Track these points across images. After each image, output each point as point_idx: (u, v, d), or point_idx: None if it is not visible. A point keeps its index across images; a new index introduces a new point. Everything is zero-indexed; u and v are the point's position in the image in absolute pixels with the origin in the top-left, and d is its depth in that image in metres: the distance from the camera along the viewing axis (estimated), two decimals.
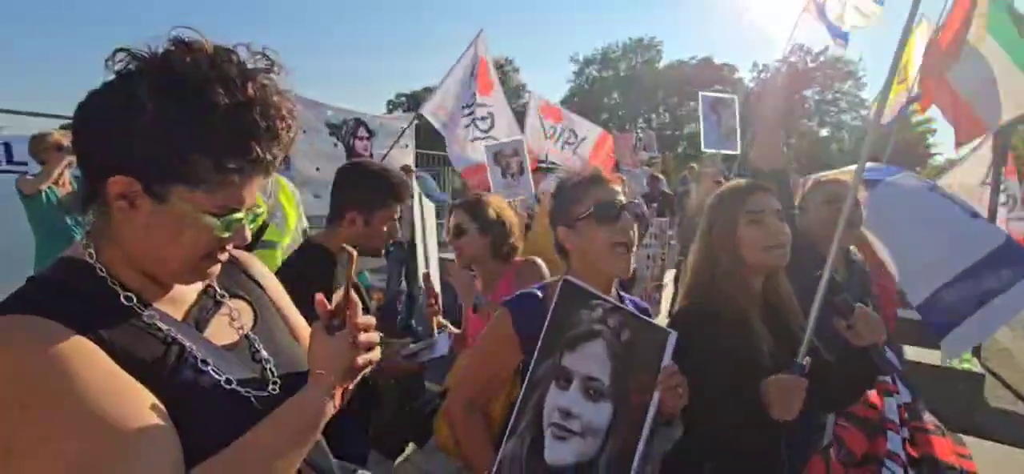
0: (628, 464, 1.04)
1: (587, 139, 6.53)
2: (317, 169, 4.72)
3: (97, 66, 0.73)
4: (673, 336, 1.10)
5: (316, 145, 4.76)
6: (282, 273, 1.69)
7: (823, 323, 1.32)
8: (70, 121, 0.74)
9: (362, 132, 5.07)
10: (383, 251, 1.85)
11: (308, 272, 1.59)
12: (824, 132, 40.98)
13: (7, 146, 4.16)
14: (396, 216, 1.73)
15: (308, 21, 71.48)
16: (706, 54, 43.28)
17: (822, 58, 37.04)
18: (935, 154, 26.07)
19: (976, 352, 4.96)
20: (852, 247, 2.19)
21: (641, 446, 1.04)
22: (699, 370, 1.29)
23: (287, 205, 2.71)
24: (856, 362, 1.30)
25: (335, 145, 4.89)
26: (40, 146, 3.41)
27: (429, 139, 7.30)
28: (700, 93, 5.20)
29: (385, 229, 1.70)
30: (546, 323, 1.11)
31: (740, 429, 1.26)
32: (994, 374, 4.65)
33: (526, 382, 1.08)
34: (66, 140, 3.27)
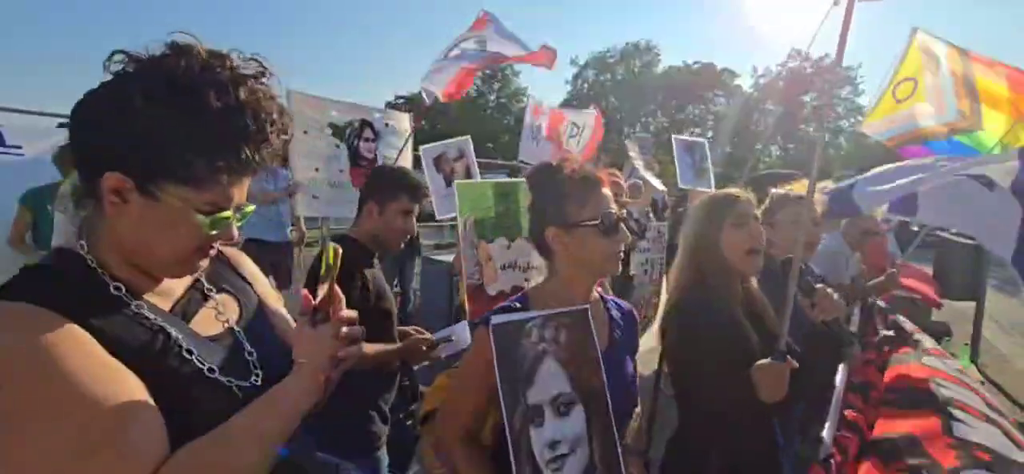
0: (612, 440, 1.09)
1: (586, 126, 6.37)
2: (316, 170, 4.67)
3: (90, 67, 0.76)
4: (587, 308, 1.13)
5: (317, 146, 4.69)
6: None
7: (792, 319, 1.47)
8: (67, 120, 0.77)
9: (368, 134, 4.96)
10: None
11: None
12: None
13: None
14: (409, 209, 1.88)
15: (308, 22, 71.53)
16: (704, 59, 43.36)
17: (821, 63, 37.18)
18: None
19: (974, 359, 4.98)
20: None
21: (612, 419, 1.09)
22: (695, 358, 1.45)
23: None
24: (822, 339, 1.44)
25: (337, 146, 4.82)
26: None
27: (428, 141, 7.26)
28: (673, 137, 5.35)
29: (400, 223, 1.87)
30: (498, 379, 1.06)
31: (735, 408, 1.39)
32: (991, 381, 4.65)
33: (511, 446, 1.04)
34: None
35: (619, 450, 1.09)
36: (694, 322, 1.46)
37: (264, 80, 0.81)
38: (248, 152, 0.77)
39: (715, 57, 52.94)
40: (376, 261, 1.92)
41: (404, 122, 5.44)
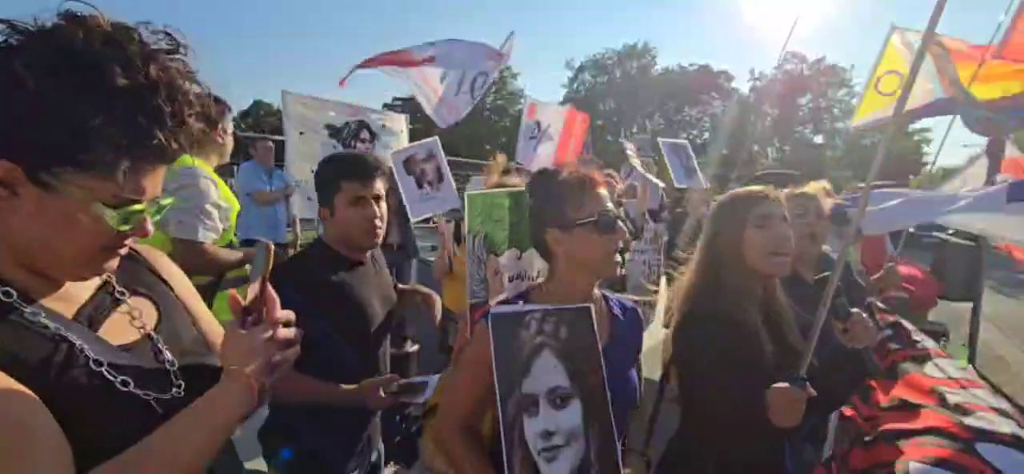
0: (611, 438, 1.08)
1: (551, 126, 6.24)
2: (312, 171, 4.66)
3: None
4: (590, 307, 1.13)
5: (313, 146, 4.68)
6: (286, 267, 1.65)
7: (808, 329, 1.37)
8: None
9: (364, 134, 4.94)
10: (379, 241, 1.70)
11: (295, 262, 1.76)
12: (818, 139, 41.39)
13: None
14: (360, 195, 1.62)
15: (306, 23, 71.51)
16: (700, 61, 43.60)
17: (817, 66, 37.41)
18: (928, 163, 26.41)
19: (971, 359, 4.97)
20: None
21: (611, 416, 1.09)
22: (704, 370, 1.37)
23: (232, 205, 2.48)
24: (848, 364, 1.34)
25: (334, 146, 4.81)
26: None
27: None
28: (660, 140, 5.38)
29: (357, 214, 1.62)
30: (494, 367, 1.07)
31: (743, 430, 1.30)
32: (989, 382, 4.65)
33: (503, 431, 1.05)
34: None
35: (618, 448, 1.09)
36: (703, 324, 1.41)
37: (179, 56, 0.71)
38: (162, 138, 0.68)
39: (713, 59, 53.16)
40: (371, 262, 1.77)
41: (401, 123, 5.43)
